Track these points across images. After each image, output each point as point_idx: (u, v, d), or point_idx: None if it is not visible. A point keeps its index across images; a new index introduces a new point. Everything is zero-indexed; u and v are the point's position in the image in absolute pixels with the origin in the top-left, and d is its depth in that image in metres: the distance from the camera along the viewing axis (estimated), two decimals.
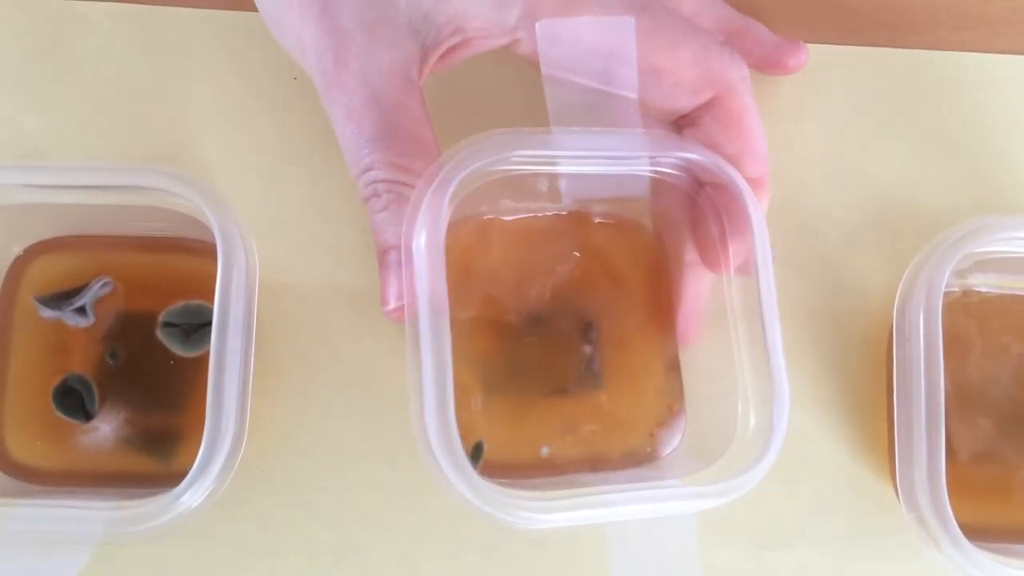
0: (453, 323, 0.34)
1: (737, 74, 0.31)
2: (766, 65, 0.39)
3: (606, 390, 0.35)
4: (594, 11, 0.29)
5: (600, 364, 0.35)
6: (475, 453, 0.35)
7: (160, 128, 0.39)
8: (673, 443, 0.35)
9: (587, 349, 0.35)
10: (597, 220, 0.36)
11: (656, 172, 0.32)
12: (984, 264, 0.35)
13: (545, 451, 0.35)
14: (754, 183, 0.32)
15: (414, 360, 0.27)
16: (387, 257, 0.30)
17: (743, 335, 0.31)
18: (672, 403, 0.36)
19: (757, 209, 0.30)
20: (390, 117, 0.30)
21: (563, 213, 0.36)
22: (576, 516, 0.28)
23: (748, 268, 0.32)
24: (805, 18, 0.41)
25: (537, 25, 0.29)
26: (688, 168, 0.32)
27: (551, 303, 0.35)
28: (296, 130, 0.39)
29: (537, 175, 0.31)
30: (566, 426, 0.35)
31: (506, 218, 0.36)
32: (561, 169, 0.31)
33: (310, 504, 0.37)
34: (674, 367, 0.36)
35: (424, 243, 0.28)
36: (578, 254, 0.36)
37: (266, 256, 0.37)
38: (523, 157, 0.30)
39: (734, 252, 0.32)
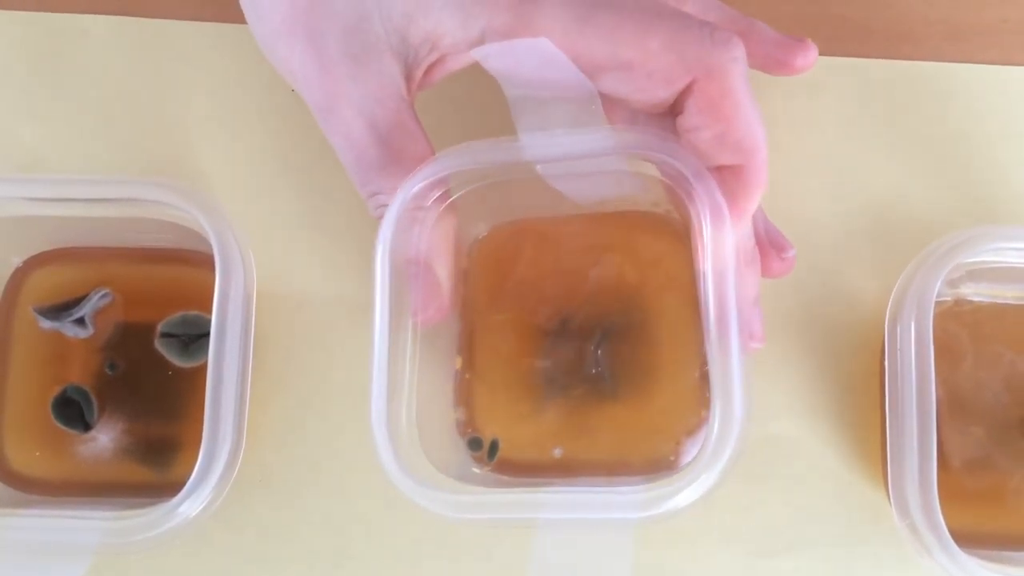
0: (484, 328, 0.35)
1: (720, 56, 0.29)
2: (771, 65, 0.35)
3: (633, 395, 0.35)
4: (554, 24, 0.29)
5: (627, 369, 0.35)
6: (491, 450, 0.35)
7: (158, 139, 0.39)
8: (694, 453, 0.34)
9: (610, 354, 0.35)
10: (624, 220, 0.36)
11: (635, 168, 0.32)
12: (975, 274, 0.35)
13: (558, 452, 0.34)
14: (735, 173, 0.30)
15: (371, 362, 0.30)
16: (408, 271, 0.32)
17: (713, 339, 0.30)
18: (703, 412, 0.34)
19: (716, 203, 0.29)
20: (389, 141, 0.31)
21: (597, 215, 0.35)
22: (503, 514, 0.30)
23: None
24: (798, 29, 0.41)
25: (473, 52, 0.29)
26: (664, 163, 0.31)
27: (583, 307, 0.35)
28: (294, 141, 0.39)
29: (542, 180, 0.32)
30: (582, 429, 0.35)
31: (534, 224, 0.36)
32: (541, 171, 0.31)
33: (308, 512, 0.37)
34: (705, 375, 0.33)
35: (380, 257, 0.30)
36: (605, 256, 0.35)
37: (264, 266, 0.37)
38: (490, 168, 0.31)
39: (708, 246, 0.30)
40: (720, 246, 0.29)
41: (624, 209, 0.36)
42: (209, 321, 0.31)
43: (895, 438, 0.33)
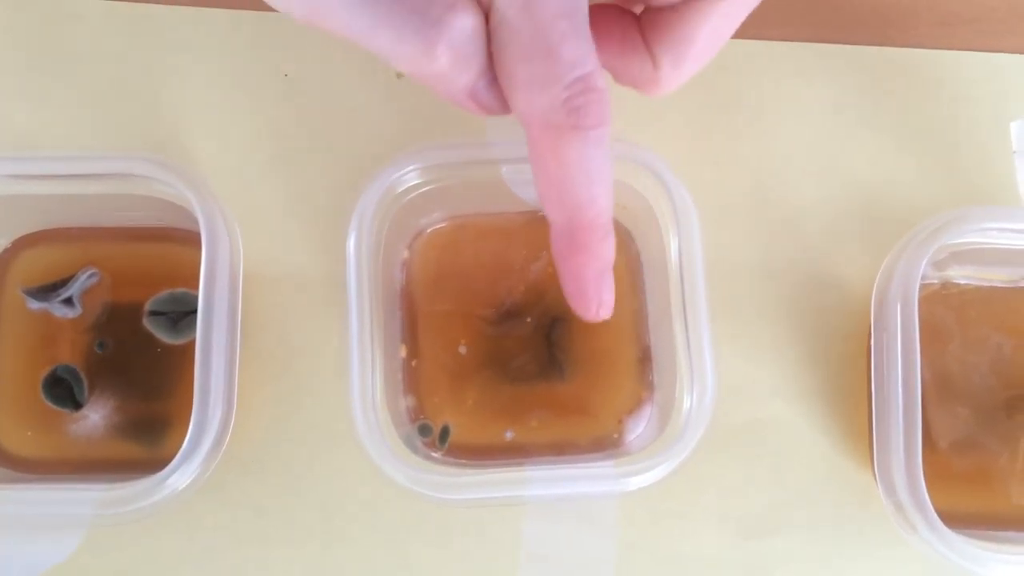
0: (427, 317, 0.36)
1: (564, 121, 0.25)
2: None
3: (574, 379, 0.37)
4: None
5: (569, 355, 0.37)
6: (442, 435, 0.36)
7: (150, 124, 0.39)
8: (639, 430, 0.36)
9: (553, 341, 0.37)
10: None
11: None
12: (960, 256, 0.35)
13: (509, 435, 0.36)
14: (559, 230, 0.28)
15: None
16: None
17: (679, 321, 0.32)
18: (641, 392, 0.37)
19: (691, 213, 0.32)
20: None
21: (535, 214, 0.37)
22: (492, 492, 0.31)
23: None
24: (789, 17, 0.42)
25: None
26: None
27: (523, 298, 0.37)
28: (285, 126, 0.39)
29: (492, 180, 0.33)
30: (531, 413, 0.36)
31: (479, 221, 0.37)
32: (505, 175, 0.33)
33: (299, 491, 0.37)
34: (646, 357, 0.37)
35: (353, 250, 0.31)
36: (546, 252, 0.37)
37: (255, 249, 0.37)
38: (457, 168, 0.32)
39: None
40: (689, 239, 0.32)
41: None
42: (196, 298, 0.31)
43: (881, 417, 0.33)
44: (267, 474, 0.37)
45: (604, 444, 0.36)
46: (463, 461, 0.35)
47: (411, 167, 0.32)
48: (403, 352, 0.36)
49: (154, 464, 0.31)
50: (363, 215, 0.32)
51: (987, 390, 0.37)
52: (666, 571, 0.37)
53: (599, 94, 0.25)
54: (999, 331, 0.37)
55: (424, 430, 0.36)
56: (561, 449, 0.36)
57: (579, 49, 0.25)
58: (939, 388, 0.36)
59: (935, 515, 0.31)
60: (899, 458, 0.32)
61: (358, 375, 0.31)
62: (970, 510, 0.36)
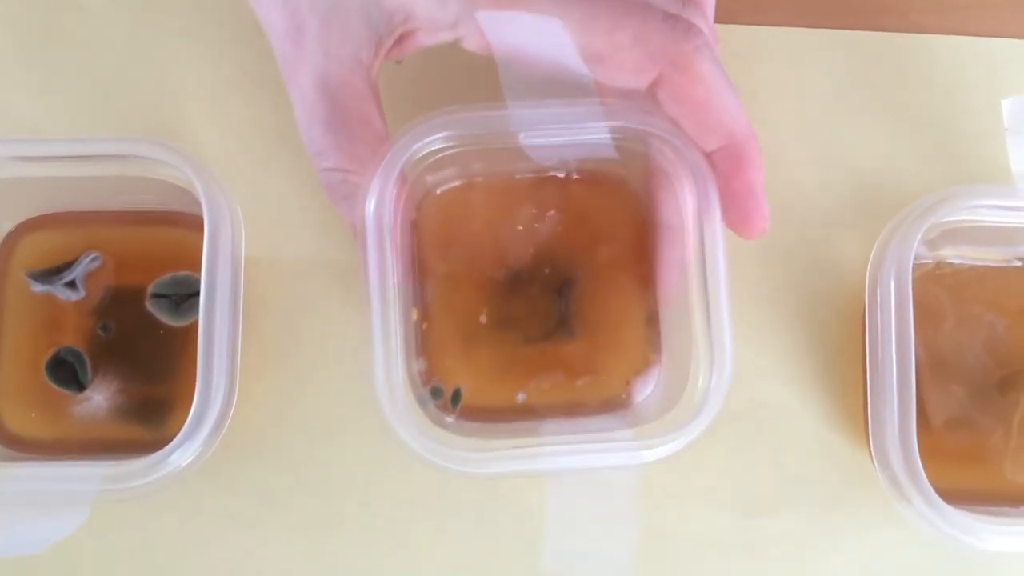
0: (437, 279, 0.36)
1: (682, 47, 0.30)
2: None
3: (583, 341, 0.36)
4: (530, 4, 0.29)
5: (577, 317, 0.36)
6: (454, 398, 0.36)
7: (152, 110, 0.39)
8: (647, 391, 0.36)
9: (563, 303, 0.36)
10: (575, 177, 0.37)
11: (618, 141, 0.32)
12: (952, 235, 0.36)
13: (521, 397, 0.36)
14: (725, 153, 0.31)
15: (366, 324, 0.31)
16: (358, 239, 0.32)
17: (699, 296, 0.32)
18: (649, 354, 0.36)
19: (709, 182, 0.31)
20: (338, 100, 0.31)
21: (544, 175, 0.37)
22: (513, 465, 0.31)
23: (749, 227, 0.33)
24: (785, 3, 0.42)
25: (477, 15, 0.30)
26: (652, 136, 0.32)
27: (532, 260, 0.36)
28: (288, 112, 0.39)
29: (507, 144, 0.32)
30: (542, 374, 0.36)
31: (488, 181, 0.37)
32: (524, 142, 0.32)
33: (301, 476, 0.37)
34: (653, 320, 0.36)
35: (371, 221, 0.31)
36: (554, 212, 0.36)
37: (257, 233, 0.37)
38: (475, 135, 0.32)
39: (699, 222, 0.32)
40: (711, 221, 0.31)
41: (577, 168, 0.37)
42: (199, 280, 0.31)
43: (876, 391, 0.34)
44: (267, 459, 0.37)
45: (613, 404, 0.36)
46: (476, 423, 0.35)
47: (436, 135, 0.31)
48: (415, 315, 0.36)
49: (156, 446, 0.32)
50: (386, 178, 0.31)
51: (981, 369, 0.37)
52: (665, 549, 0.37)
53: (688, 21, 0.30)
54: (992, 310, 0.37)
55: (436, 393, 0.36)
56: (572, 410, 0.36)
57: None
58: (933, 367, 0.37)
59: (929, 486, 0.32)
60: (893, 431, 0.32)
61: (381, 346, 0.30)
62: (965, 487, 0.36)
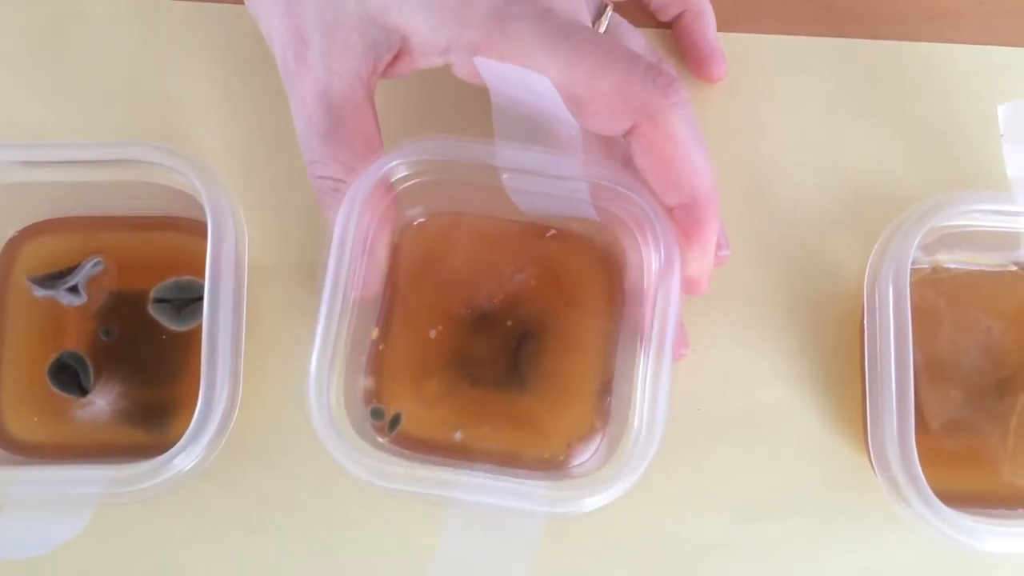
0: (405, 305, 0.36)
1: (660, 102, 0.30)
2: (693, 66, 0.41)
3: (532, 396, 0.36)
4: (516, 48, 0.29)
5: (532, 371, 0.36)
6: (392, 422, 0.36)
7: (156, 117, 0.40)
8: (585, 457, 0.36)
9: (519, 355, 0.36)
10: (553, 234, 0.37)
11: (595, 200, 0.33)
12: (949, 239, 0.36)
13: (458, 436, 0.35)
14: (686, 209, 0.32)
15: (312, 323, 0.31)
16: (355, 248, 0.32)
17: (643, 368, 0.32)
18: (595, 421, 0.36)
19: (670, 238, 0.31)
20: (337, 113, 0.32)
21: (527, 226, 0.37)
22: (415, 487, 0.31)
23: (694, 287, 0.34)
24: (783, 11, 0.42)
25: (475, 60, 0.30)
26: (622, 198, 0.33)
27: (500, 306, 0.36)
28: (288, 119, 0.39)
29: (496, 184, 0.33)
30: (484, 419, 0.36)
31: (473, 221, 0.37)
32: (506, 183, 0.32)
33: (304, 480, 0.37)
34: (607, 388, 0.36)
35: (340, 226, 0.31)
36: (531, 265, 0.37)
37: (259, 238, 0.38)
38: (461, 164, 0.32)
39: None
40: (668, 289, 0.31)
41: (559, 226, 0.37)
42: (201, 285, 0.32)
43: (874, 396, 0.34)
44: (270, 463, 0.37)
45: (549, 464, 0.35)
46: (407, 452, 0.35)
47: (408, 158, 0.32)
48: (374, 334, 0.36)
49: (158, 450, 0.32)
50: (354, 199, 0.31)
51: (978, 372, 0.37)
52: (666, 555, 0.38)
53: (670, 76, 0.30)
54: (989, 314, 0.38)
55: (376, 413, 0.36)
56: (505, 461, 0.35)
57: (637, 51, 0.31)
58: (931, 370, 0.37)
59: (927, 488, 0.32)
60: (892, 435, 0.32)
61: (319, 349, 0.31)
62: (963, 489, 0.36)
